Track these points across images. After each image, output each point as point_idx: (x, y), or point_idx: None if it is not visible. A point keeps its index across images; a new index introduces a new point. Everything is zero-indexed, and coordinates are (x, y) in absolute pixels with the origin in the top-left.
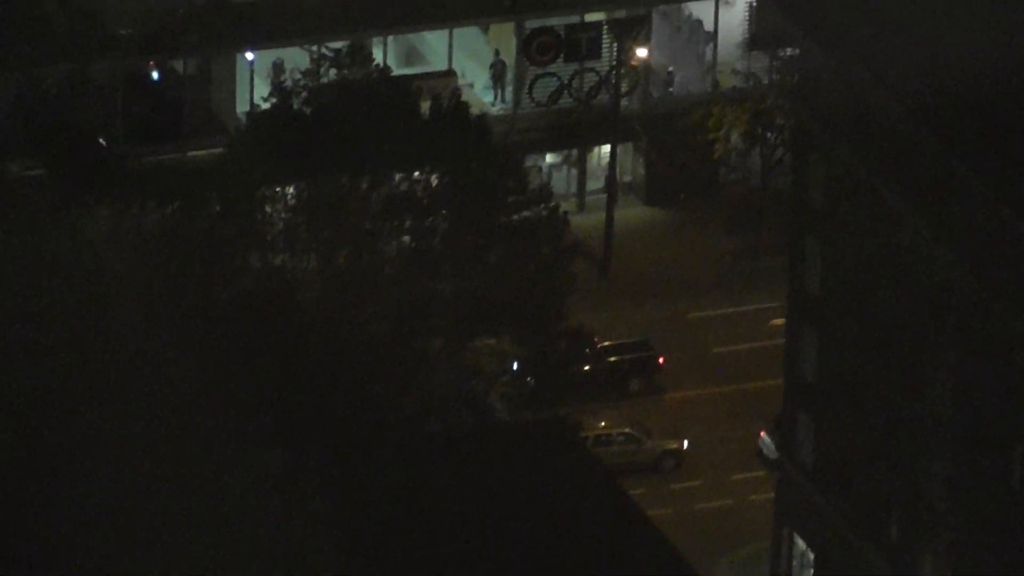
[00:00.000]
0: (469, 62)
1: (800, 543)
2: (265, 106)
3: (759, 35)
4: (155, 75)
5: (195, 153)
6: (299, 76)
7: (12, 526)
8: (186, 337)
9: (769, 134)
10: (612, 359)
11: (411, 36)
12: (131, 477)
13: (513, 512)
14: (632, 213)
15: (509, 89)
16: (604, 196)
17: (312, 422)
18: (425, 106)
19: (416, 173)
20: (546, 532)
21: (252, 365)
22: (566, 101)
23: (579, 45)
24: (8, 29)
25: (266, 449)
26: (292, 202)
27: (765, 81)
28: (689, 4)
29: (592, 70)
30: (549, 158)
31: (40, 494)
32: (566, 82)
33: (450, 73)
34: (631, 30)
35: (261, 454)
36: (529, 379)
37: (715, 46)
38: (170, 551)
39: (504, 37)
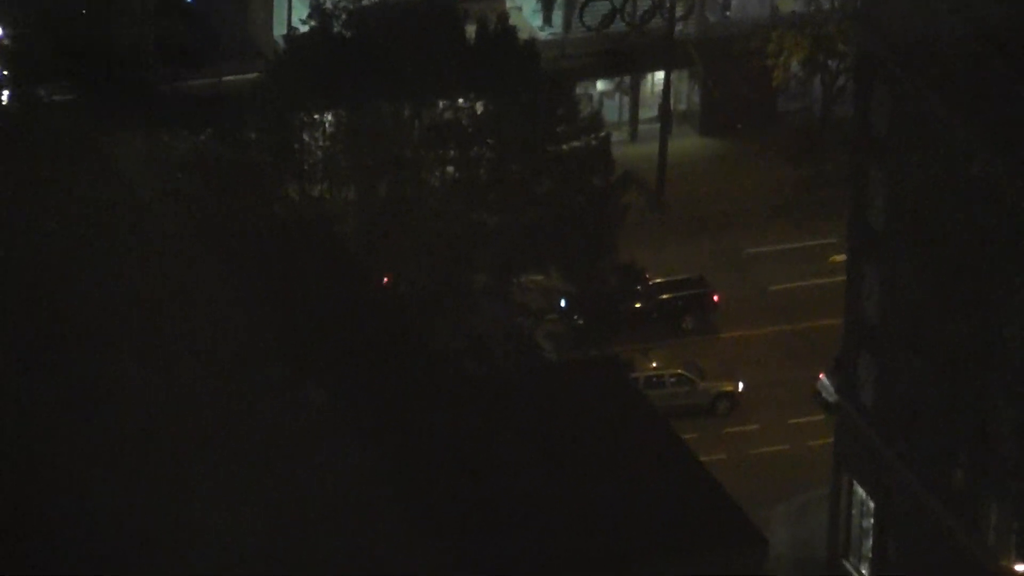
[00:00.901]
0: None
1: (860, 491)
2: (304, 29)
3: None
4: None
5: (230, 78)
6: None
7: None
8: (221, 269)
9: (831, 61)
10: (664, 296)
11: None
12: (163, 414)
13: (561, 456)
14: (686, 143)
15: (559, 13)
16: (657, 125)
17: (352, 359)
18: (471, 30)
19: (461, 100)
20: (596, 477)
21: (289, 300)
22: (618, 25)
23: None
24: None
25: (304, 387)
26: (331, 130)
27: (827, 5)
28: None
29: None
30: (600, 85)
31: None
32: (619, 5)
33: None
34: None
35: (299, 392)
36: (577, 317)
37: None
38: (204, 492)
39: None
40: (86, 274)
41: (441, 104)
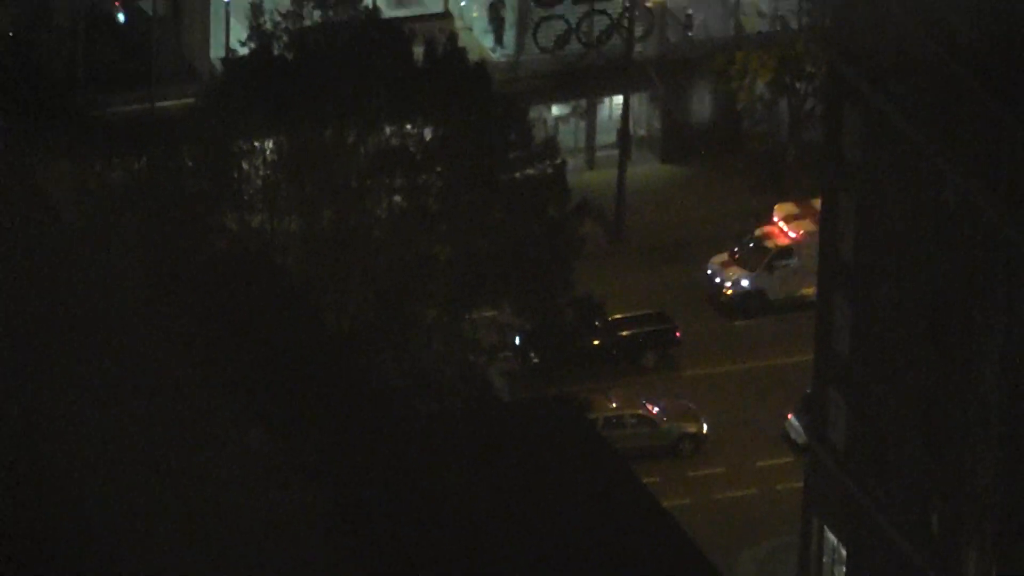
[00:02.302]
0: (467, 3)
1: (831, 537)
2: (242, 51)
3: None
4: (120, 16)
5: (165, 103)
6: (280, 18)
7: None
8: (155, 304)
9: (798, 83)
10: (624, 332)
11: None
12: (99, 459)
13: (515, 501)
14: (647, 170)
15: (511, 33)
16: (616, 151)
17: (293, 399)
18: (418, 51)
19: (408, 125)
20: (551, 523)
21: (227, 336)
22: (574, 46)
23: None
24: None
25: (244, 430)
26: (272, 157)
27: (793, 24)
28: None
29: (603, 12)
30: (555, 109)
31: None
32: (574, 25)
33: (446, 15)
34: None
35: (238, 435)
36: (533, 354)
37: None
38: (146, 540)
39: None
40: (7, 309)
41: (387, 129)
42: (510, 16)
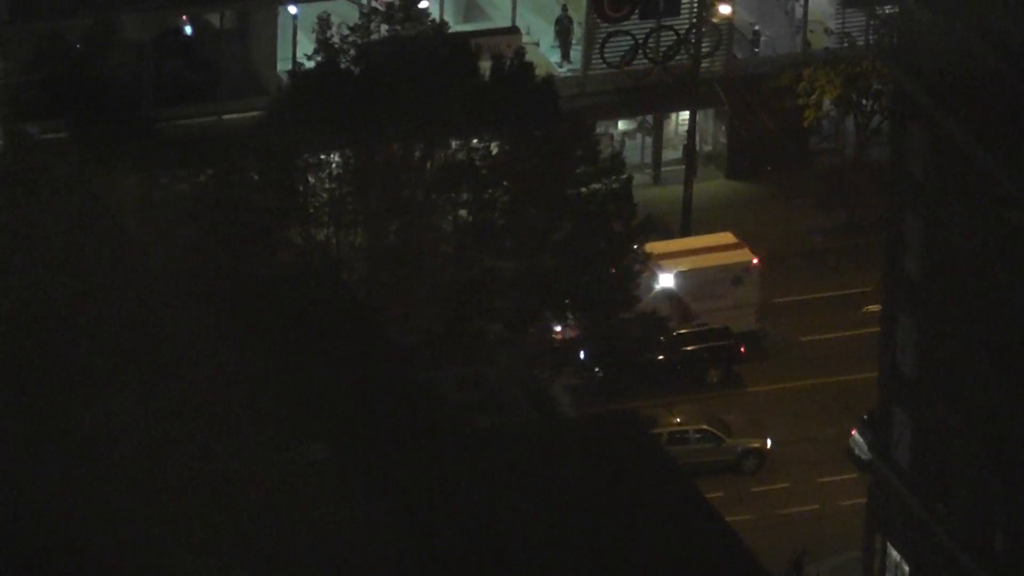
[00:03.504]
0: (534, 18)
1: (894, 554)
2: (309, 64)
3: None
4: (188, 29)
5: (231, 116)
6: (347, 31)
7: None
8: (219, 319)
9: (865, 100)
10: (689, 348)
11: None
12: (154, 468)
13: (579, 517)
14: (712, 186)
15: (578, 48)
16: (682, 167)
17: (357, 414)
18: (485, 66)
19: (475, 140)
20: (615, 538)
21: (291, 350)
22: (641, 62)
23: (656, 1)
24: None
25: (307, 444)
26: (338, 171)
27: (861, 41)
28: None
29: (670, 28)
30: (621, 125)
31: (55, 488)
32: (641, 41)
33: (513, 30)
34: None
35: (301, 449)
36: (597, 369)
37: (806, 2)
38: (199, 551)
39: None
40: (76, 324)
41: (454, 144)
42: (577, 32)
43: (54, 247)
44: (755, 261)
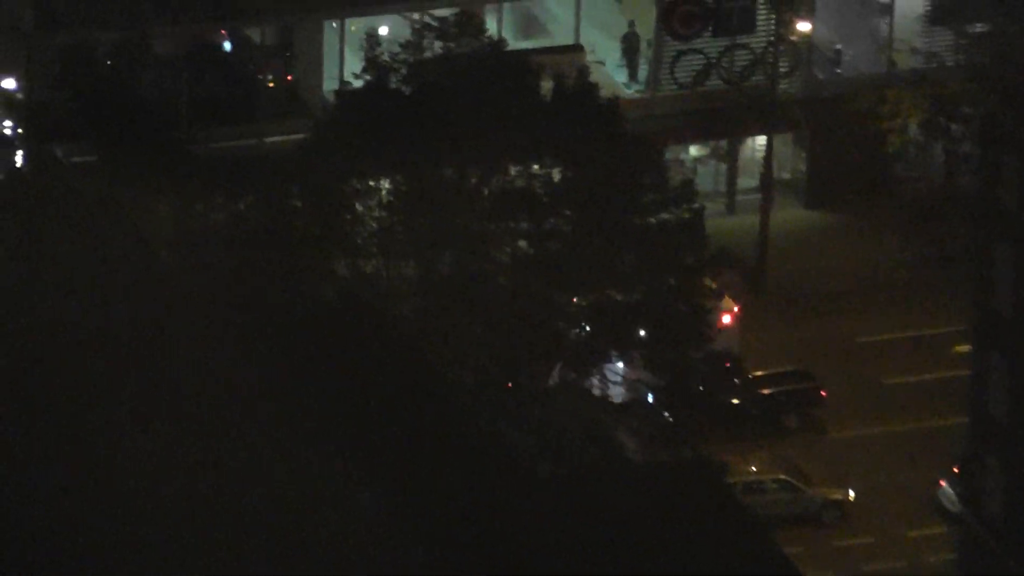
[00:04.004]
0: (599, 35)
1: None
2: (357, 84)
3: (943, 7)
4: (227, 45)
5: (274, 139)
6: (398, 49)
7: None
8: (259, 356)
9: (953, 124)
10: (765, 390)
11: (531, 2)
12: (202, 518)
13: (647, 571)
14: (791, 216)
15: (646, 68)
16: (758, 196)
17: (408, 459)
18: (546, 86)
19: (535, 166)
20: None
21: (338, 391)
22: (714, 83)
23: (730, 16)
24: None
25: (355, 491)
26: (387, 198)
27: (950, 62)
28: None
29: (745, 46)
30: (693, 150)
31: (88, 516)
32: (714, 60)
33: (576, 48)
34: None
35: (350, 496)
36: (666, 412)
37: (891, 19)
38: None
39: (641, 5)
40: (107, 359)
41: (512, 170)
42: (645, 50)
43: (82, 276)
44: (736, 310)
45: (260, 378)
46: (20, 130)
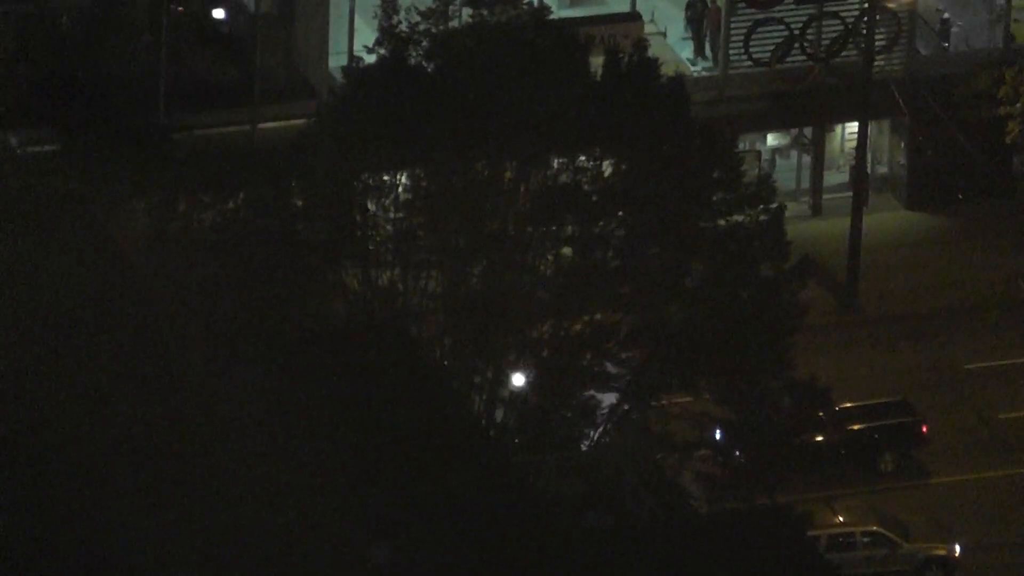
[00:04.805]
0: (660, 2)
1: None
2: (370, 59)
3: None
4: (217, 12)
5: (270, 124)
6: (418, 18)
7: None
8: (256, 383)
9: None
10: (857, 426)
11: None
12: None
13: None
14: (888, 219)
15: (716, 40)
16: (849, 195)
17: (432, 508)
18: (597, 62)
19: (582, 158)
20: None
21: (346, 425)
22: (797, 59)
23: None
24: None
25: (368, 544)
26: (406, 196)
27: None
28: None
29: (834, 15)
30: (771, 139)
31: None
32: (797, 32)
33: (633, 16)
34: None
35: (361, 551)
36: (738, 453)
37: None
38: None
39: None
40: (72, 394)
41: (556, 163)
42: (716, 19)
43: (42, 286)
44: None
45: (254, 411)
46: None
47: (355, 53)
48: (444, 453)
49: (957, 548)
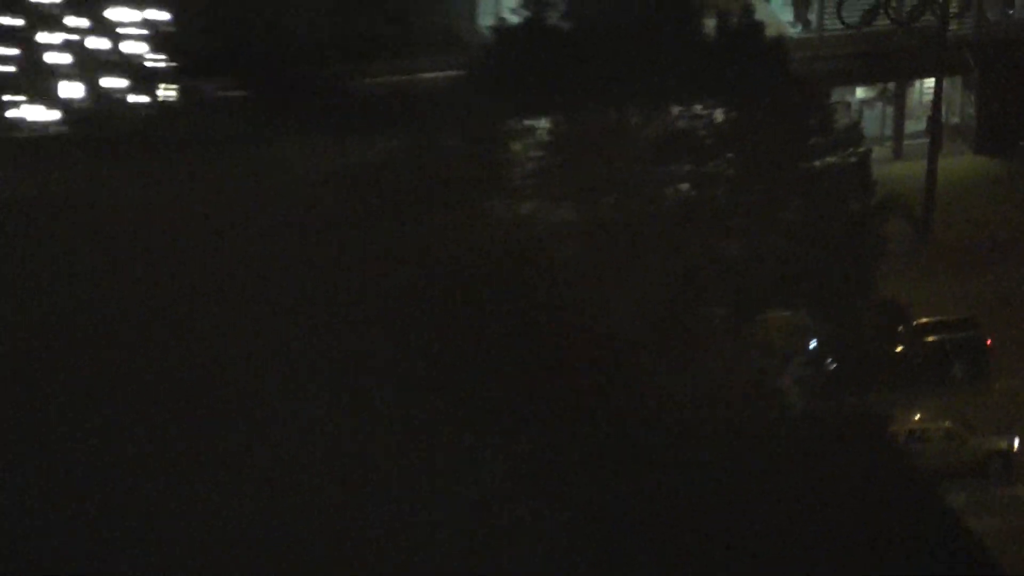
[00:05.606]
0: None
1: None
2: (514, 19)
3: None
4: None
5: (427, 75)
6: None
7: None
8: (412, 303)
9: None
10: (931, 339)
11: None
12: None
13: (808, 517)
14: (959, 162)
15: (814, 6)
16: (925, 141)
17: (561, 404)
18: (710, 24)
19: (697, 107)
20: (846, 540)
21: (492, 332)
22: (882, 23)
23: None
24: None
25: (506, 443)
26: (545, 138)
27: None
28: None
29: None
30: (860, 93)
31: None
32: (883, 1)
33: None
34: None
35: (500, 450)
36: (830, 360)
37: None
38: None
39: None
40: (253, 307)
41: (674, 110)
42: None
43: (232, 216)
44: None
45: (416, 327)
46: (168, 65)
47: (501, 13)
48: (572, 354)
49: (1016, 442)
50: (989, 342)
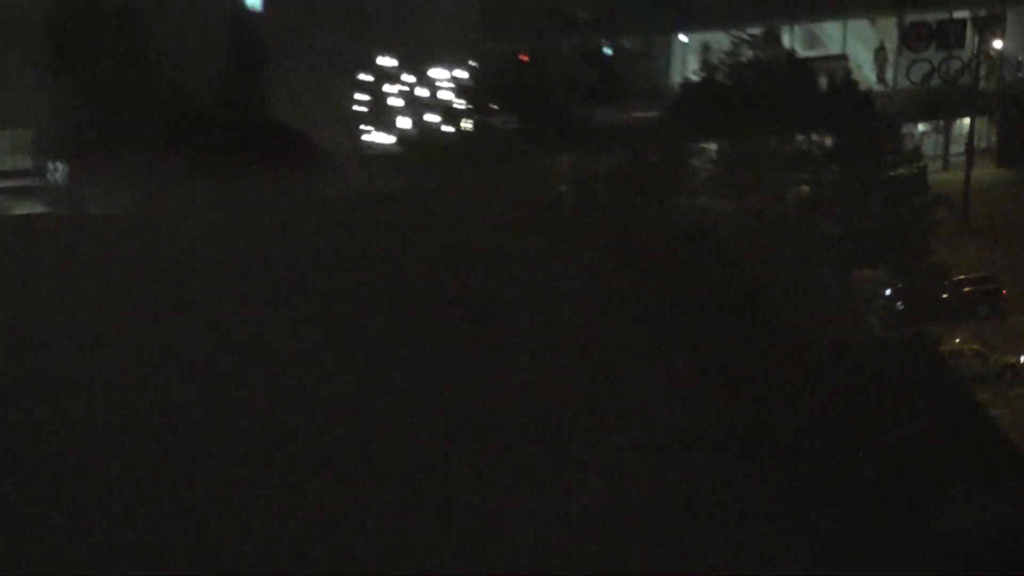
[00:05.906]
0: (858, 47)
1: None
2: (695, 79)
3: None
4: (608, 50)
5: (638, 114)
6: (723, 55)
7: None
8: (617, 263)
9: None
10: (965, 289)
11: (813, 25)
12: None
13: (884, 411)
14: (986, 172)
15: (890, 71)
16: (963, 158)
17: (734, 335)
18: (823, 82)
19: (814, 135)
20: (906, 425)
21: (683, 291)
22: (936, 82)
23: (948, 37)
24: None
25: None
26: (714, 156)
27: None
28: None
29: (957, 57)
30: (920, 127)
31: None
32: (936, 66)
33: (843, 56)
34: (990, 26)
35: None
36: (899, 303)
37: None
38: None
39: (888, 28)
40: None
41: (799, 138)
42: (890, 58)
43: (504, 204)
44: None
45: (627, 283)
46: (467, 105)
47: (686, 75)
48: (738, 302)
49: (1022, 358)
50: (1004, 292)
